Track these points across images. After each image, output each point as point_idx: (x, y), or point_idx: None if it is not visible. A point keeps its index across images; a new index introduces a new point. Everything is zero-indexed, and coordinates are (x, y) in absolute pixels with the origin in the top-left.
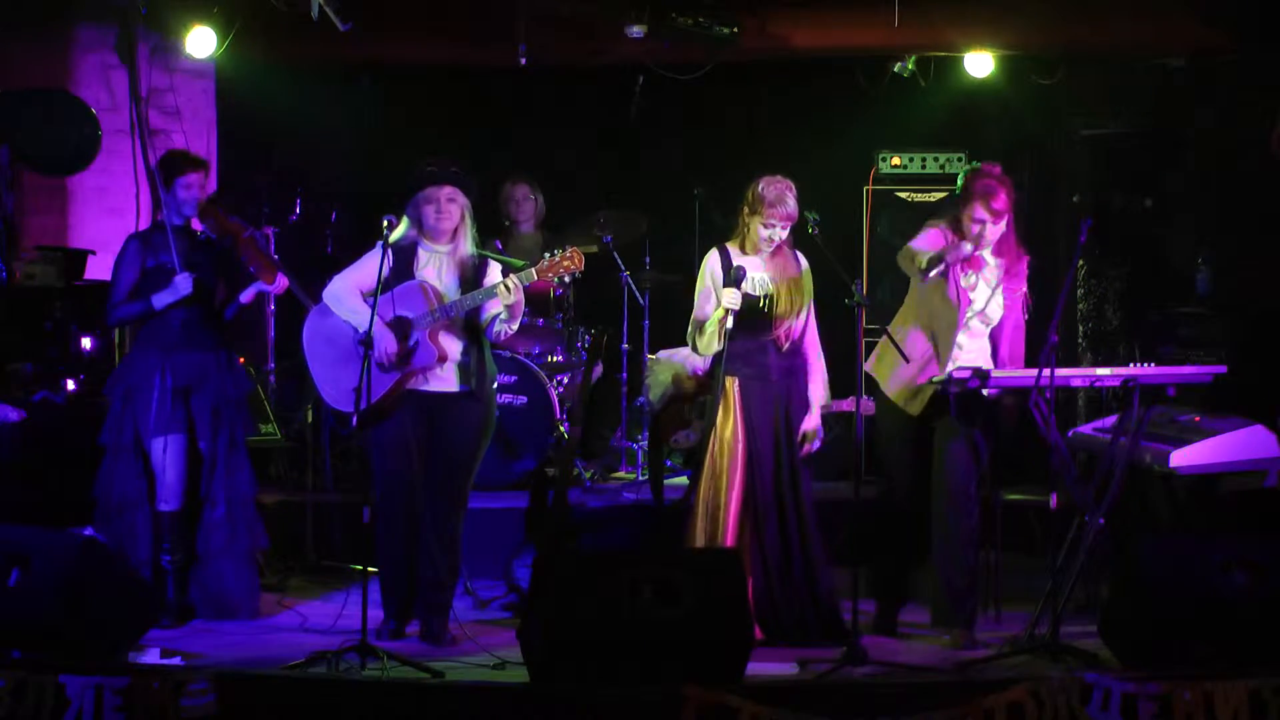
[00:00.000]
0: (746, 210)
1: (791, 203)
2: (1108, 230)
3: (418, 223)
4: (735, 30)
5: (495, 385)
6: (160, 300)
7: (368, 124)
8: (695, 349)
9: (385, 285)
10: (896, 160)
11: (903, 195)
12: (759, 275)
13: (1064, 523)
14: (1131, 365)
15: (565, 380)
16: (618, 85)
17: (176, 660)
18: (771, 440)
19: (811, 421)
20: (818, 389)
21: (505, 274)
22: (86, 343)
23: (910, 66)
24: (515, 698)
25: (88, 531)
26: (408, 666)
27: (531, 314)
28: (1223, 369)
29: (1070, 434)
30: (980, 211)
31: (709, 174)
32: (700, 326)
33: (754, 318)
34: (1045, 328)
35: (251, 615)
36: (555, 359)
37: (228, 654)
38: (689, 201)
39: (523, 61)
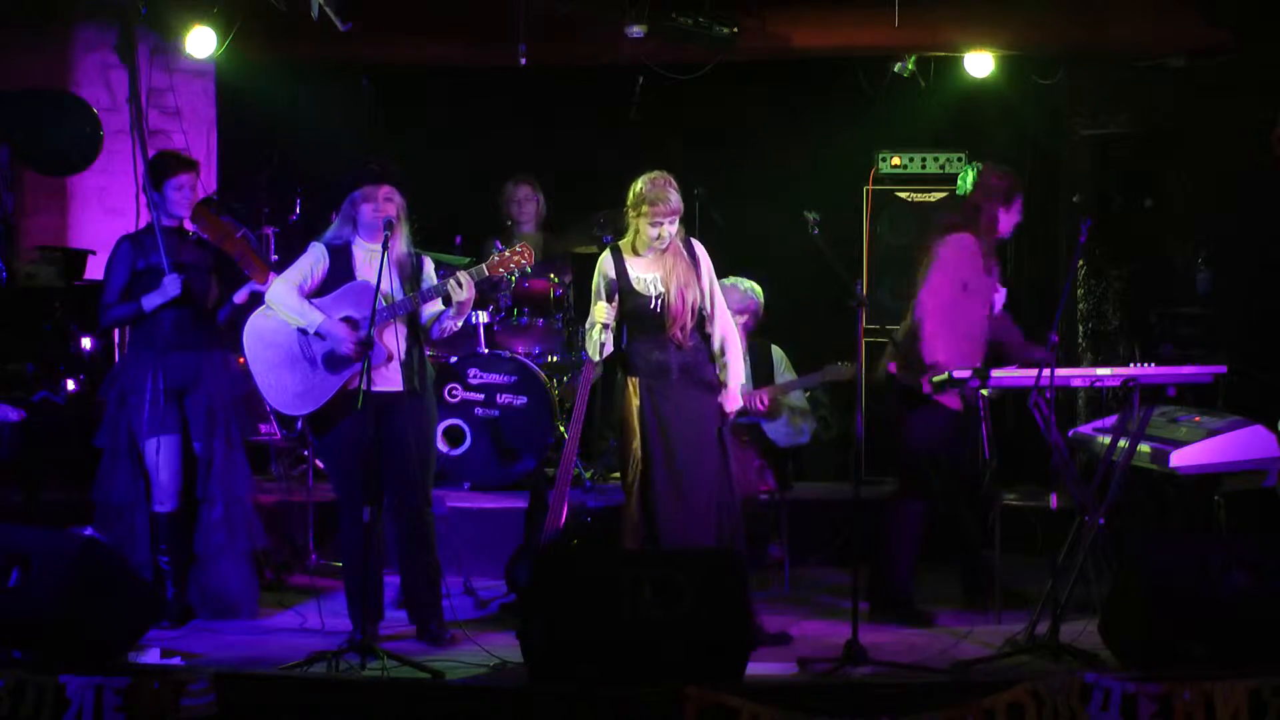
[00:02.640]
0: (631, 211)
1: (674, 198)
2: (1108, 230)
3: (352, 221)
4: (735, 30)
5: (433, 382)
6: (150, 302)
7: (368, 124)
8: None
9: (325, 287)
10: (896, 160)
11: (903, 195)
12: (649, 276)
13: (1064, 523)
14: (1131, 365)
15: (565, 380)
16: (618, 85)
17: (176, 660)
18: (672, 441)
19: (731, 403)
20: (735, 372)
21: (443, 273)
22: (86, 343)
23: (910, 66)
24: (515, 698)
25: (88, 531)
26: (407, 666)
27: (531, 314)
28: (1223, 369)
29: (1070, 434)
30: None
31: (709, 174)
32: (589, 332)
33: (648, 320)
34: (1045, 328)
35: (251, 615)
36: (555, 359)
37: (228, 654)
38: (689, 201)
39: (523, 61)
